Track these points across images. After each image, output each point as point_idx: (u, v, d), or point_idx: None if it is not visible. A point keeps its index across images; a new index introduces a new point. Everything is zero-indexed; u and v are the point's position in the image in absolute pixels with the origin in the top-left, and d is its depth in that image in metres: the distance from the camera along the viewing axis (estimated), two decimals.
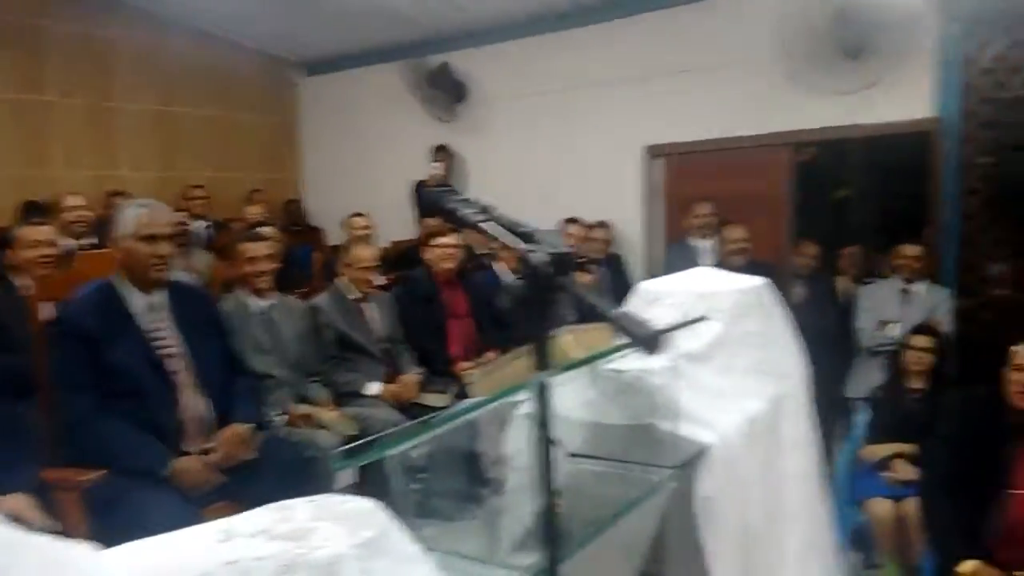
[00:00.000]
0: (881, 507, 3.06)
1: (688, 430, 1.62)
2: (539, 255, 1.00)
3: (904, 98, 4.69)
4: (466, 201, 1.30)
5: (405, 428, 1.00)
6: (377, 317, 3.69)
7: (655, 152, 5.66)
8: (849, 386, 4.29)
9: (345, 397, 3.44)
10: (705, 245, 5.02)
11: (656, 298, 2.02)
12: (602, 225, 5.45)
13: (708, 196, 5.14)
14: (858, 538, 3.15)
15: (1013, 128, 4.29)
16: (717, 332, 1.96)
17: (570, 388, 1.71)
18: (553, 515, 1.03)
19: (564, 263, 0.99)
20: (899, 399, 3.37)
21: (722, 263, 4.66)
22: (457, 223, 1.22)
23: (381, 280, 4.22)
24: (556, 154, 5.95)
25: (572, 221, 5.21)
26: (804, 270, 4.94)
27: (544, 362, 1.01)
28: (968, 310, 4.57)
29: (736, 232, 4.72)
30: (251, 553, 0.82)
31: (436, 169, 6.20)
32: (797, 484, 1.85)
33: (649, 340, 0.90)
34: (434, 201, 1.33)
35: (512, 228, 1.09)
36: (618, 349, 1.32)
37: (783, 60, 4.95)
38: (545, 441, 1.01)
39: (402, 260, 5.24)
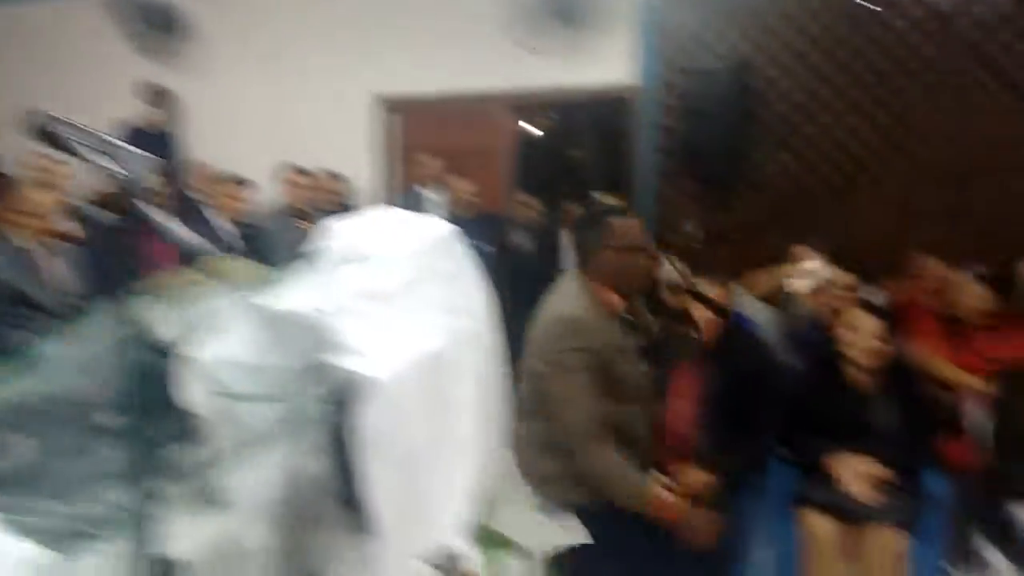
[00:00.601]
0: None
1: (356, 364, 1.64)
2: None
3: (607, 64, 5.09)
4: (79, 128, 1.20)
5: None
6: (60, 269, 3.31)
7: (383, 103, 5.63)
8: None
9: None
10: (434, 196, 5.12)
11: (344, 238, 2.00)
12: (334, 176, 5.33)
13: (437, 149, 5.23)
14: None
15: (700, 98, 4.84)
16: (402, 272, 1.99)
17: (233, 327, 1.66)
18: (150, 448, 0.99)
19: (133, 191, 0.95)
20: None
21: (451, 213, 4.80)
22: (59, 148, 1.12)
23: (73, 229, 3.78)
24: (281, 101, 5.71)
25: (301, 172, 5.04)
26: (529, 221, 5.23)
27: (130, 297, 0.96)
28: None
29: (463, 184, 4.87)
30: None
31: (156, 114, 5.73)
32: (471, 415, 1.95)
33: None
34: (39, 127, 1.22)
35: (109, 153, 1.02)
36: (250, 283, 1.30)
37: (503, 20, 5.12)
38: (139, 379, 0.96)
39: (109, 208, 4.75)
